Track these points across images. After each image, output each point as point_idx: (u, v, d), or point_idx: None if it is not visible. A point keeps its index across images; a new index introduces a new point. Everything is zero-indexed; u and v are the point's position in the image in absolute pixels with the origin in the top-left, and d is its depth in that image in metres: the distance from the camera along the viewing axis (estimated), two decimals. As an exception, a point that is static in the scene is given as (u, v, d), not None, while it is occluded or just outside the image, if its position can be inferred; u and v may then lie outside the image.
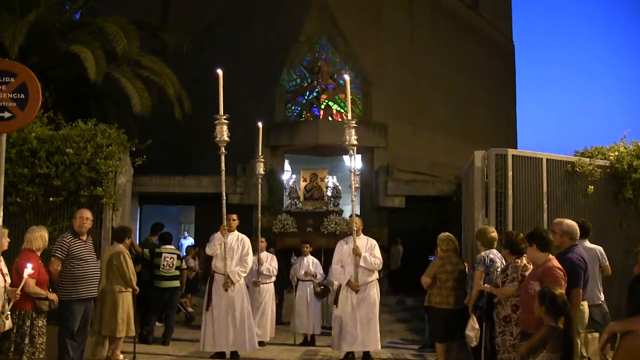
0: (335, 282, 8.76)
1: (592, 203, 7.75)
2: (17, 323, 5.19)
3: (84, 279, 5.95)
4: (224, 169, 6.93)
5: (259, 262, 8.78)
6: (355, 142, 6.63)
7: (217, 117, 6.68)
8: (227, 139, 6.75)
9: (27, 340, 5.21)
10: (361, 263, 7.07)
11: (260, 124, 8.14)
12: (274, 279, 9.25)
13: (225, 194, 15.09)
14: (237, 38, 17.44)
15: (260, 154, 8.26)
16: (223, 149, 6.83)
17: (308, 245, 9.79)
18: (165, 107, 14.05)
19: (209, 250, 7.38)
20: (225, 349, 7.19)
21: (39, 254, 5.55)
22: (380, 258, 7.31)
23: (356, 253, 7.01)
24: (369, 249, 7.26)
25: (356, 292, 7.09)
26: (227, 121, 6.70)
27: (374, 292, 7.25)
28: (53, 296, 5.47)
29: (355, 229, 7.13)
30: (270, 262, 9.16)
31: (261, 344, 8.46)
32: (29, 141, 7.01)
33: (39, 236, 5.56)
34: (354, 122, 6.66)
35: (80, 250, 5.94)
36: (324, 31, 17.44)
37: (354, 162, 6.99)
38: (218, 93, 6.46)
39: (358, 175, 7.11)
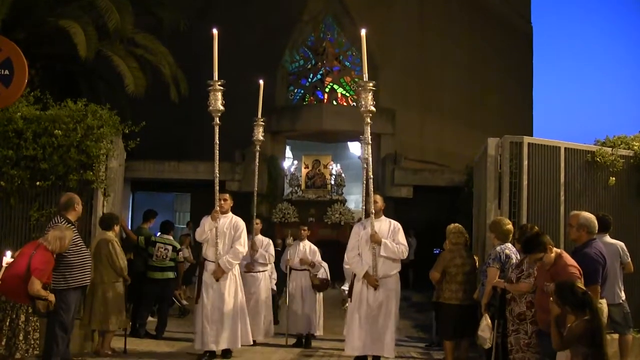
0: (346, 266, 8.43)
1: (613, 195, 7.66)
2: (10, 316, 5.15)
3: (78, 266, 5.98)
4: (217, 142, 6.63)
5: (253, 247, 8.10)
6: (372, 108, 6.09)
7: (210, 83, 6.33)
8: (221, 107, 6.42)
9: (21, 337, 5.17)
10: (382, 252, 6.29)
11: (261, 82, 7.75)
12: (269, 267, 8.52)
13: (224, 180, 15.12)
14: (237, 16, 17.31)
15: (259, 116, 7.84)
16: (217, 120, 6.52)
17: (306, 229, 8.97)
18: (160, 88, 13.98)
19: (198, 237, 6.99)
20: (215, 347, 6.77)
21: (54, 255, 5.49)
22: (406, 244, 6.50)
23: (374, 240, 6.25)
24: (392, 233, 6.47)
25: (375, 289, 6.30)
26: (222, 87, 6.39)
27: (396, 288, 6.49)
28: (52, 297, 5.41)
29: (375, 210, 6.34)
30: (266, 248, 8.41)
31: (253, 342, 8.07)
32: (14, 121, 6.91)
33: (59, 237, 5.47)
34: (371, 84, 6.06)
35: (74, 238, 5.92)
36: (330, 10, 17.33)
37: (368, 131, 6.38)
38: (213, 59, 6.21)
39: (369, 144, 6.63)
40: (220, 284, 6.78)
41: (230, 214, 7.06)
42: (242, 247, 6.93)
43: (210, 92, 6.37)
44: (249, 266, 8.17)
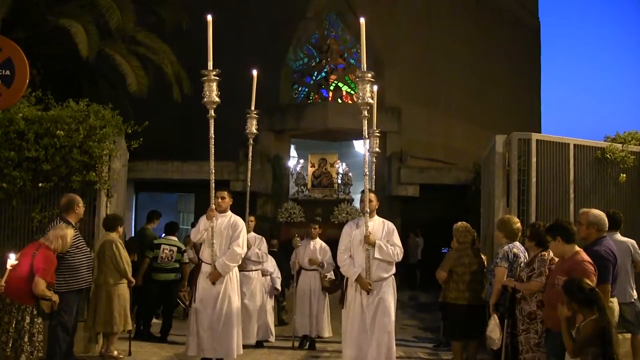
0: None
1: (624, 192, 7.64)
2: (16, 318, 5.19)
3: (81, 268, 6.04)
4: (212, 135, 6.30)
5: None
6: (371, 101, 5.76)
7: (204, 72, 6.02)
8: (217, 99, 6.09)
9: (26, 338, 5.21)
10: (376, 254, 5.91)
11: (254, 72, 7.46)
12: (261, 266, 8.27)
13: (228, 180, 15.09)
14: (240, 14, 17.31)
15: (252, 108, 7.51)
16: (212, 112, 6.19)
17: (317, 227, 8.75)
18: (163, 88, 14.01)
19: (193, 237, 6.70)
20: (213, 355, 6.41)
21: (56, 254, 5.51)
22: (401, 246, 6.12)
23: (368, 242, 5.88)
24: (386, 234, 6.10)
25: (367, 293, 5.93)
26: (217, 77, 6.04)
27: (391, 292, 6.08)
28: (56, 297, 5.46)
29: (369, 209, 5.98)
30: (259, 246, 8.14)
31: (259, 344, 8.02)
32: (16, 122, 6.94)
33: (60, 236, 5.50)
34: (369, 75, 5.67)
35: (76, 239, 5.96)
36: (333, 6, 17.31)
37: (367, 124, 5.96)
38: (208, 47, 5.95)
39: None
40: (216, 287, 6.41)
41: (229, 213, 6.69)
42: (240, 248, 6.52)
43: (204, 82, 6.05)
44: (241, 265, 7.79)
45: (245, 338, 7.79)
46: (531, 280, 5.23)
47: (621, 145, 7.75)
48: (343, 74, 17.41)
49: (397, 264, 6.27)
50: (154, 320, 8.90)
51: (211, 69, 6.01)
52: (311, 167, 16.00)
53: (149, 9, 14.62)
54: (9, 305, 5.18)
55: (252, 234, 8.22)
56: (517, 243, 6.01)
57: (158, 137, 10.73)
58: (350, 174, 15.88)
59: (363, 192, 6.09)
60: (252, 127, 7.60)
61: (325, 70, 17.40)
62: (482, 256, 7.10)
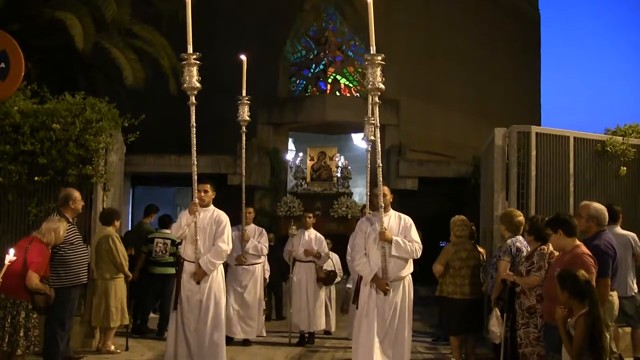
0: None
1: (624, 186, 7.66)
2: (11, 313, 5.19)
3: (75, 264, 6.01)
4: (194, 124, 5.92)
5: (244, 237, 7.78)
6: (382, 86, 5.33)
7: (184, 56, 5.64)
8: (197, 85, 5.70)
9: (22, 333, 5.22)
10: (392, 251, 5.61)
11: (243, 57, 7.24)
12: (262, 259, 8.16)
13: (225, 174, 15.02)
14: (237, 6, 17.25)
15: (244, 94, 7.33)
16: (193, 99, 5.82)
17: (311, 216, 8.55)
18: (159, 81, 13.95)
19: (174, 232, 6.36)
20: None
21: (49, 247, 5.50)
22: (419, 241, 5.81)
23: (384, 238, 5.57)
24: (403, 229, 5.81)
25: (385, 294, 5.62)
26: (197, 62, 5.65)
27: (408, 292, 5.80)
28: (51, 292, 5.46)
29: (384, 204, 5.63)
30: (259, 238, 8.00)
31: (246, 342, 7.85)
32: (11, 115, 6.94)
33: (52, 229, 5.48)
34: (380, 57, 5.30)
35: (70, 234, 5.94)
36: (331, -1, 17.22)
37: (376, 112, 5.64)
38: (187, 29, 5.61)
39: (378, 127, 5.69)
40: (201, 286, 6.05)
41: (211, 207, 6.36)
42: (226, 244, 6.17)
43: (184, 67, 5.68)
44: (240, 258, 7.82)
45: (248, 333, 7.87)
46: (530, 274, 5.23)
47: (622, 138, 7.76)
48: (341, 66, 17.37)
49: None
50: (151, 315, 8.90)
51: (191, 52, 5.62)
52: (310, 160, 15.97)
53: (146, 1, 14.54)
54: (4, 300, 5.18)
55: (252, 225, 8.16)
56: (520, 237, 6.00)
57: (155, 130, 10.72)
58: (349, 168, 15.87)
59: (375, 185, 5.71)
60: (245, 114, 7.40)
61: (323, 62, 17.35)
62: (480, 250, 7.10)
